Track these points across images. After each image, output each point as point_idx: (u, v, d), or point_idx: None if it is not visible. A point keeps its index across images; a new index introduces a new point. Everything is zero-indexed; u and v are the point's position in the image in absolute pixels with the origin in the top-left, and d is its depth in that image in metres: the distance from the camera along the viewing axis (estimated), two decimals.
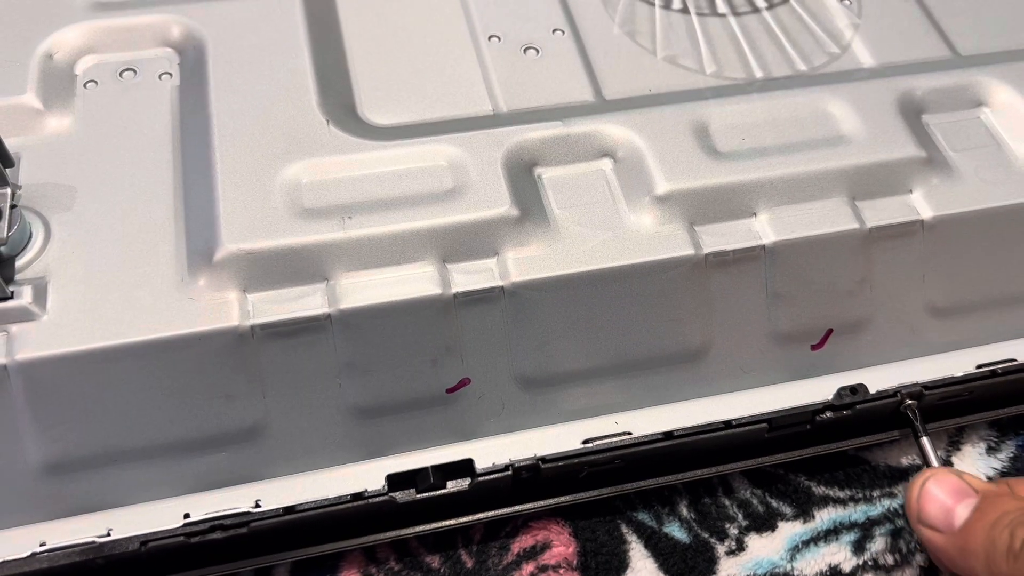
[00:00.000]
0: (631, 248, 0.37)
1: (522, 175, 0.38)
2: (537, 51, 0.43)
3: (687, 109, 0.40)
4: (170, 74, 0.41)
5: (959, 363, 0.39)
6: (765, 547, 0.37)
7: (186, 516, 0.33)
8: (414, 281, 0.35)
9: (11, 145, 0.37)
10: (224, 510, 0.33)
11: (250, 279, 0.34)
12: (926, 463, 0.35)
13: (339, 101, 0.40)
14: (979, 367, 0.39)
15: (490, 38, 0.43)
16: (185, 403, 0.34)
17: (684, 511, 0.38)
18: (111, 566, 0.32)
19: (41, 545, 0.32)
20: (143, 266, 0.34)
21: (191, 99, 0.39)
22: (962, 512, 0.30)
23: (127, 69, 0.41)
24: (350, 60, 0.42)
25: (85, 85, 0.40)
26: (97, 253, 0.35)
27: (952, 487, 0.31)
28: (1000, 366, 0.38)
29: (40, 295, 0.33)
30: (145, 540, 0.32)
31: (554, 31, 0.44)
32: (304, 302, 0.34)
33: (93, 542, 0.32)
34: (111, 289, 0.34)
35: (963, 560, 0.29)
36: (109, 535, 0.32)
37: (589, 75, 0.42)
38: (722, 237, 0.37)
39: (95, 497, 0.34)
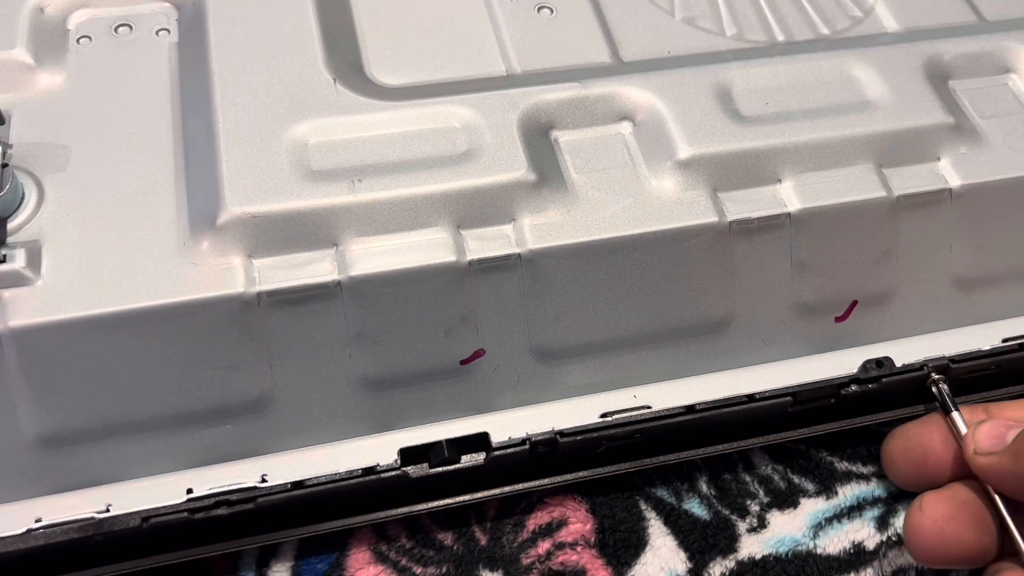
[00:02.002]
0: (652, 215, 0.35)
1: (538, 138, 0.37)
2: (551, 10, 0.41)
3: (708, 72, 0.39)
4: (167, 30, 0.39)
5: (984, 336, 0.38)
6: (787, 524, 0.36)
7: (189, 491, 0.31)
8: (427, 248, 0.33)
9: (1, 102, 0.35)
10: (229, 485, 0.31)
11: (256, 244, 0.32)
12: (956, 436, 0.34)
13: (346, 59, 0.38)
14: (1005, 340, 0.38)
15: None
16: (187, 373, 0.32)
17: (704, 487, 0.37)
18: (111, 543, 0.31)
19: (37, 521, 0.30)
20: (142, 229, 0.33)
21: (190, 56, 0.38)
22: (1012, 433, 0.32)
23: (122, 24, 0.39)
24: (357, 16, 0.40)
25: (78, 41, 0.38)
26: (94, 215, 0.33)
27: (1001, 424, 0.33)
28: None
29: (34, 259, 0.32)
30: (146, 516, 0.30)
31: None
32: (312, 268, 0.33)
33: (92, 518, 0.30)
34: (109, 253, 0.32)
35: (1019, 463, 0.31)
36: (108, 511, 0.31)
37: (606, 36, 0.41)
38: (746, 204, 0.36)
39: (93, 471, 0.32)
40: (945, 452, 0.34)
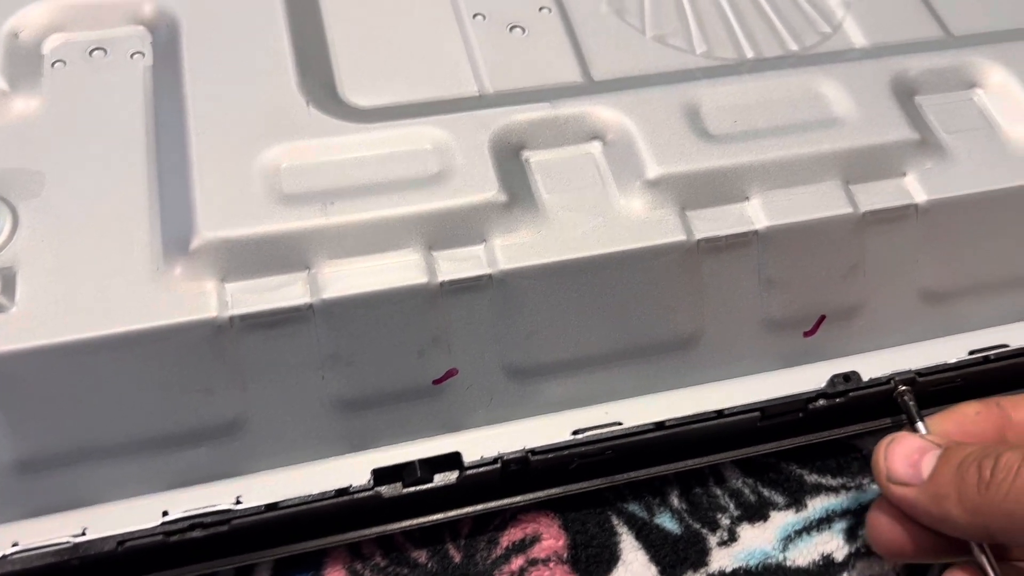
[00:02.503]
0: (622, 234, 0.36)
1: (509, 159, 0.37)
2: (523, 30, 0.42)
3: (678, 90, 0.39)
4: (142, 53, 0.39)
5: (951, 349, 0.39)
6: (757, 537, 0.37)
7: (164, 514, 0.32)
8: (399, 269, 0.34)
9: None
10: (204, 507, 0.32)
11: (228, 268, 0.33)
12: None
13: (319, 82, 0.38)
14: (971, 353, 0.38)
15: (475, 16, 0.42)
16: (162, 397, 0.33)
17: (675, 501, 0.37)
18: (87, 567, 0.31)
19: (13, 546, 0.30)
20: (116, 255, 0.33)
21: (164, 80, 0.38)
22: (928, 462, 0.31)
23: (97, 48, 0.39)
24: (330, 39, 0.40)
25: (53, 65, 0.38)
26: (68, 242, 0.33)
27: (915, 444, 0.32)
28: (992, 352, 0.38)
29: (8, 286, 0.32)
30: (122, 540, 0.31)
31: (540, 9, 0.43)
32: (285, 292, 0.33)
33: (68, 542, 0.31)
34: (83, 279, 0.32)
35: (937, 506, 0.30)
36: (84, 534, 0.31)
37: (577, 55, 0.41)
38: (714, 222, 0.36)
39: (70, 494, 0.33)
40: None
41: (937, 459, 0.31)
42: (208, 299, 0.32)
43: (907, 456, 0.32)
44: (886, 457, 0.32)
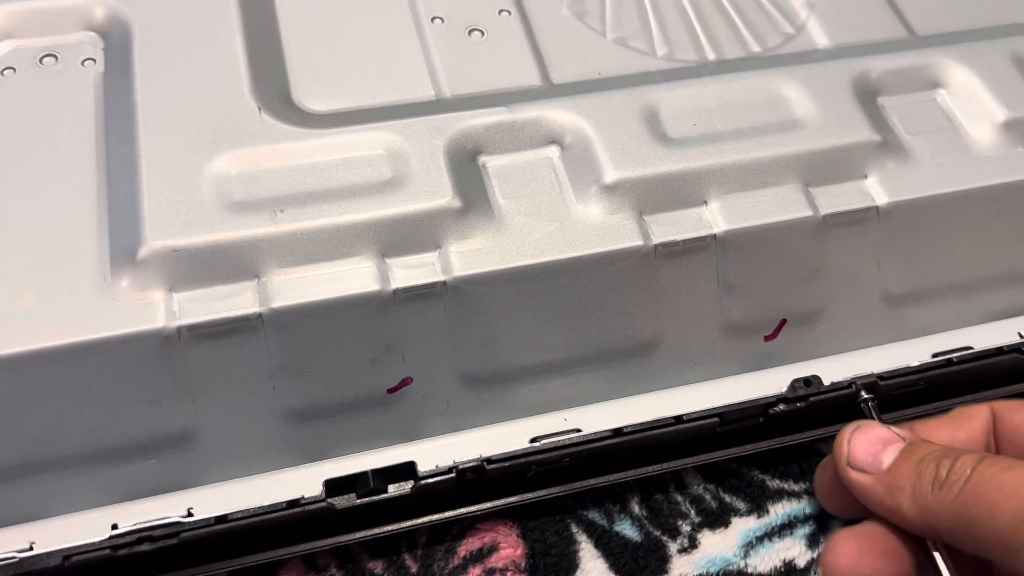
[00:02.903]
0: (578, 239, 0.35)
1: (465, 164, 0.37)
2: (482, 33, 0.41)
3: (637, 93, 0.39)
4: (94, 60, 0.39)
5: (915, 351, 0.38)
6: (718, 544, 0.36)
7: (114, 527, 0.31)
8: (351, 277, 0.33)
9: None
10: (153, 520, 0.31)
11: (176, 278, 0.32)
12: None
13: (273, 87, 0.38)
14: (935, 356, 0.38)
15: (433, 19, 0.41)
16: (110, 410, 0.32)
17: (636, 508, 0.37)
18: None
19: None
20: (63, 266, 0.33)
21: (116, 86, 0.37)
22: (890, 454, 0.32)
23: (48, 55, 0.38)
24: (285, 43, 0.40)
25: (3, 72, 0.38)
26: (14, 252, 0.33)
27: (880, 434, 0.33)
28: (956, 355, 0.38)
29: None
30: (68, 554, 0.30)
31: (500, 12, 0.42)
32: (233, 301, 0.32)
33: (14, 557, 0.30)
34: (29, 290, 0.32)
35: (890, 498, 0.31)
36: (32, 549, 0.31)
37: (536, 58, 0.41)
38: (672, 227, 0.36)
39: (17, 509, 0.32)
40: None
41: (899, 453, 0.32)
42: (156, 309, 0.32)
43: (870, 444, 0.32)
44: (849, 441, 0.33)
